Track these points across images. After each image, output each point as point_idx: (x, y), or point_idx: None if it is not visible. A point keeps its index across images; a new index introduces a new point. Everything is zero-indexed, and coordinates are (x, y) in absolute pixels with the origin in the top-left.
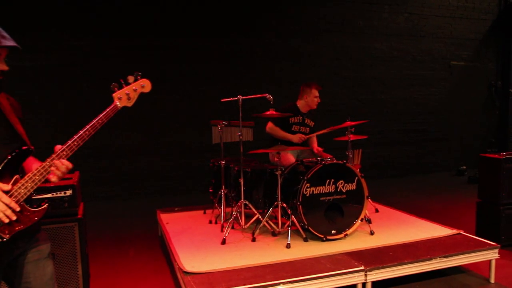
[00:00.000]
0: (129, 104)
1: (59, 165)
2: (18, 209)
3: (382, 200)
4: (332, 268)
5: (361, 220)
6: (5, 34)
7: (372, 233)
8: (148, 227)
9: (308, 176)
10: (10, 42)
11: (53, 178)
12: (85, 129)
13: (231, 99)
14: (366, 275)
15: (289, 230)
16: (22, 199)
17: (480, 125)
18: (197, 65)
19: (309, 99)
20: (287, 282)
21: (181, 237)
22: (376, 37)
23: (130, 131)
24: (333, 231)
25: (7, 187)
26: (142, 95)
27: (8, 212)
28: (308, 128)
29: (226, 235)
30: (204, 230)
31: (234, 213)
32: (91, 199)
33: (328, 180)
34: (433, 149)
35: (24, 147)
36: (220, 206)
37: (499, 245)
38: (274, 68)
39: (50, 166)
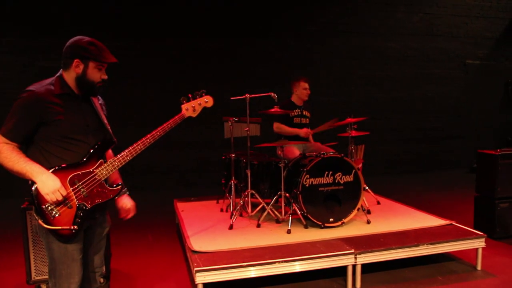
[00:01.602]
0: (194, 115)
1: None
2: (61, 199)
3: (390, 194)
4: (324, 251)
5: (358, 209)
6: (108, 50)
7: (368, 222)
8: (166, 216)
9: (308, 168)
10: (113, 59)
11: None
12: (157, 130)
13: (240, 97)
14: (356, 258)
15: (290, 217)
16: (103, 179)
17: (496, 123)
18: (214, 65)
19: (299, 92)
20: (282, 261)
21: (194, 222)
22: (391, 36)
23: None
24: (331, 219)
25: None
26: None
27: (60, 198)
28: (307, 119)
29: (233, 221)
30: (215, 217)
31: (241, 201)
32: None
33: (326, 172)
34: (448, 147)
35: (109, 139)
36: (230, 195)
37: (485, 235)
38: (289, 68)
39: (127, 156)
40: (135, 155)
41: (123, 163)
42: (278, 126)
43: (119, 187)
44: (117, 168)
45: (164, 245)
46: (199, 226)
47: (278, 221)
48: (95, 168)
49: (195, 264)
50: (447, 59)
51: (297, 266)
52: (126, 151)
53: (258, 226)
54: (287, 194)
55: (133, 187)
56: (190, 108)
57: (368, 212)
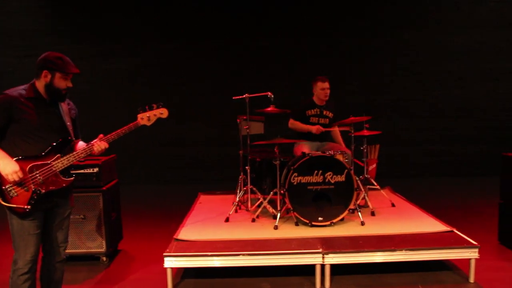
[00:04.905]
0: (148, 124)
1: (100, 144)
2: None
3: (429, 198)
4: (295, 248)
5: (349, 210)
6: (73, 64)
7: (362, 224)
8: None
9: (295, 166)
10: (76, 70)
11: (95, 151)
12: (112, 134)
13: (240, 97)
14: (323, 258)
15: (278, 214)
16: (58, 170)
17: None
18: (261, 65)
19: (317, 92)
20: (246, 254)
21: (200, 213)
22: (453, 30)
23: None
24: (320, 218)
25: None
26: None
27: (17, 179)
28: (327, 119)
29: (230, 213)
30: (223, 211)
31: (239, 196)
32: (153, 181)
33: (316, 171)
34: None
35: (68, 137)
36: (240, 190)
37: (479, 245)
38: (341, 65)
39: (82, 153)
40: (89, 153)
41: (77, 159)
42: (292, 123)
43: (72, 178)
44: (71, 163)
45: None
46: (202, 217)
47: (275, 216)
48: (53, 161)
49: (167, 250)
50: None
51: (261, 261)
52: (82, 149)
53: (253, 220)
54: (282, 191)
55: (181, 179)
56: (145, 117)
57: (372, 213)
